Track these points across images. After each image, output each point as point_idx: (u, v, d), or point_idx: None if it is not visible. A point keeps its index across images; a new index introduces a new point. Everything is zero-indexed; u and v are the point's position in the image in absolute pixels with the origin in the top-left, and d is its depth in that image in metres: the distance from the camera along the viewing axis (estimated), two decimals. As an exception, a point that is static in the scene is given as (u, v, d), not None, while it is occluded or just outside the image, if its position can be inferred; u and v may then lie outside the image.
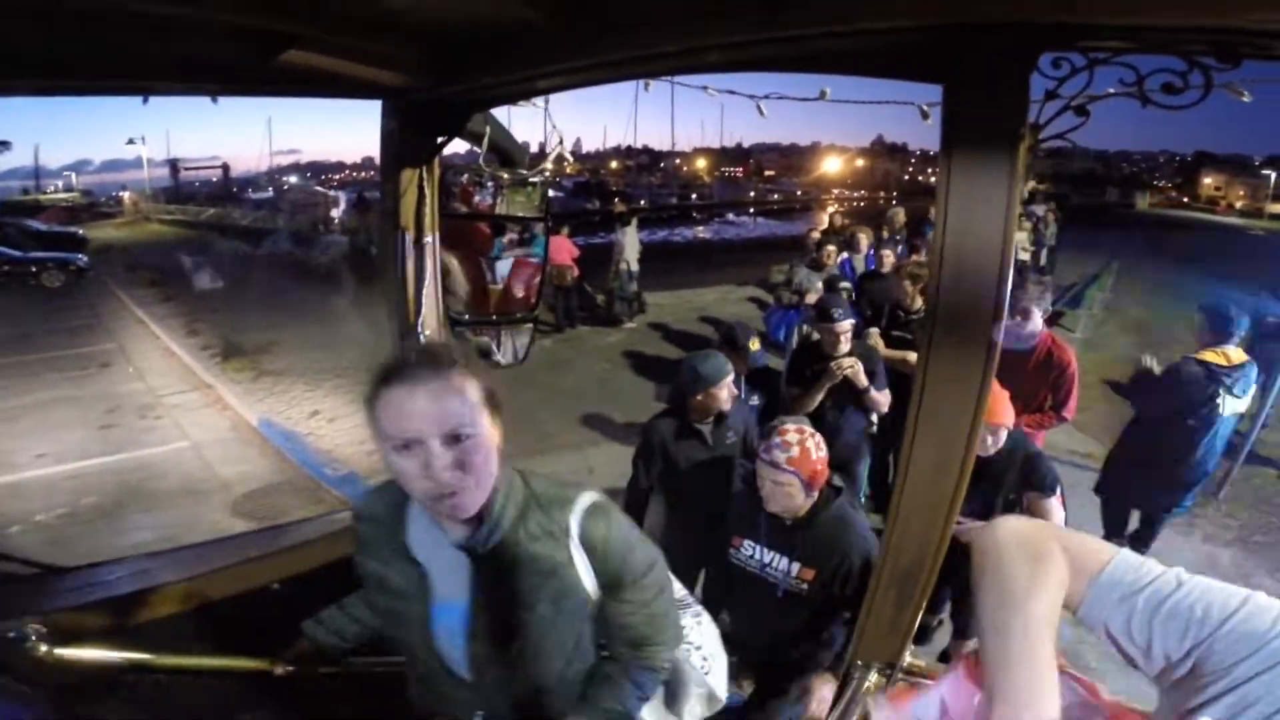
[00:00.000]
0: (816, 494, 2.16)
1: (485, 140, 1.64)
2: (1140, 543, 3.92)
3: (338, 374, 7.69)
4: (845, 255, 6.64)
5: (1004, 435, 2.59)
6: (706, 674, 1.64)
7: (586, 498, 1.23)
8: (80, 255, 16.28)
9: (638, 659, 1.32)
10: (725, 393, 2.80)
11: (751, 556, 2.26)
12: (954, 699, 0.99)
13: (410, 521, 1.24)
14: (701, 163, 78.69)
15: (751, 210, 40.35)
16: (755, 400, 3.57)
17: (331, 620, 1.51)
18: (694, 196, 44.92)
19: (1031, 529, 0.85)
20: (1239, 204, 51.04)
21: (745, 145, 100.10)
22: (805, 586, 2.17)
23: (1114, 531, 4.02)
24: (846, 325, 3.33)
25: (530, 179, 1.66)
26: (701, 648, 1.67)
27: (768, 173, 75.90)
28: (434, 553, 1.21)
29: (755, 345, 3.50)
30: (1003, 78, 0.96)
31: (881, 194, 44.00)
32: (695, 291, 11.93)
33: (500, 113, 1.75)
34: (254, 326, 9.60)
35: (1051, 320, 8.44)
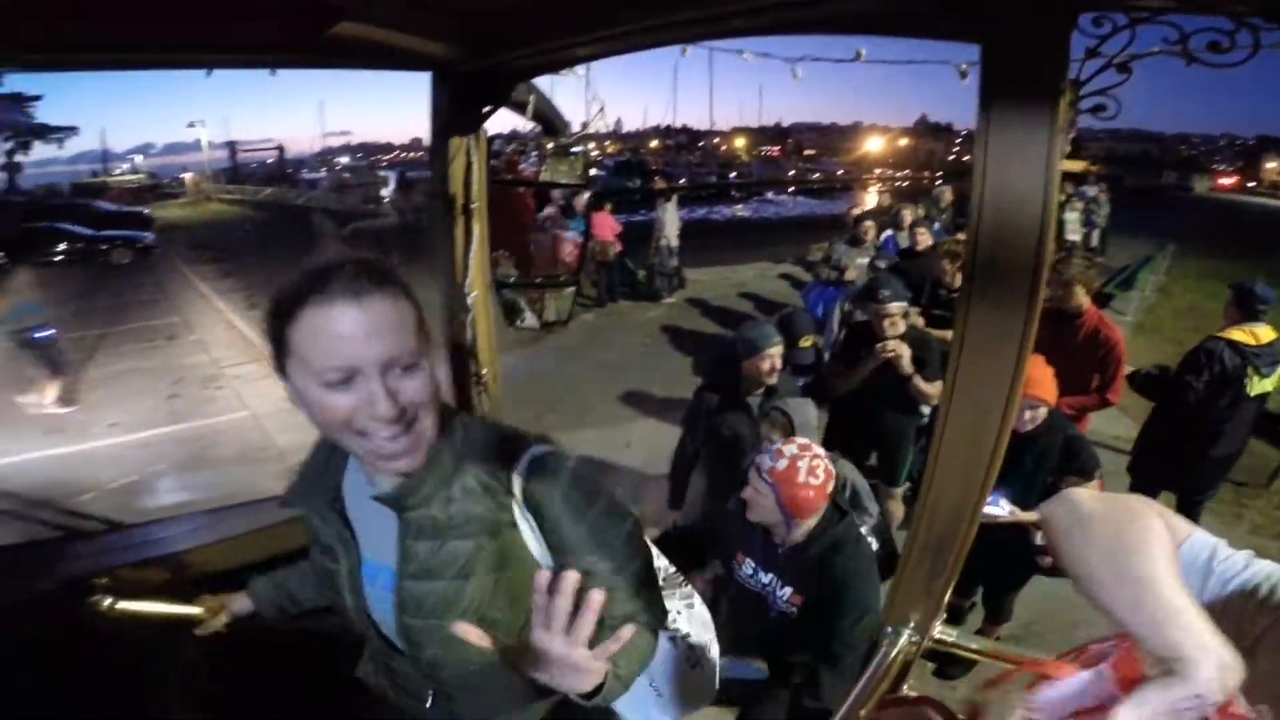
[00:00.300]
0: (801, 523, 1.97)
1: (530, 109, 1.64)
2: None
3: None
4: (889, 233, 6.51)
5: (1043, 412, 2.49)
6: (694, 666, 1.45)
7: (535, 449, 1.00)
8: (146, 234, 16.91)
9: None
10: (769, 363, 2.79)
11: (752, 575, 2.14)
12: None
13: (347, 467, 1.06)
14: (740, 142, 77.52)
15: (790, 189, 39.64)
16: (800, 381, 3.55)
17: (285, 580, 1.35)
18: (733, 175, 44.34)
19: (1111, 496, 0.80)
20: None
21: (784, 125, 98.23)
22: (795, 611, 2.04)
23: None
24: (894, 308, 3.16)
25: (572, 148, 1.67)
26: (689, 636, 1.47)
27: (807, 152, 74.37)
28: (363, 506, 1.03)
29: (808, 343, 3.45)
30: (1043, 35, 0.92)
31: (926, 173, 42.67)
32: (734, 269, 11.87)
33: (544, 86, 1.75)
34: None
35: (1101, 301, 8.15)
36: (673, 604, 1.47)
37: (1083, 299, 3.29)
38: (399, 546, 0.99)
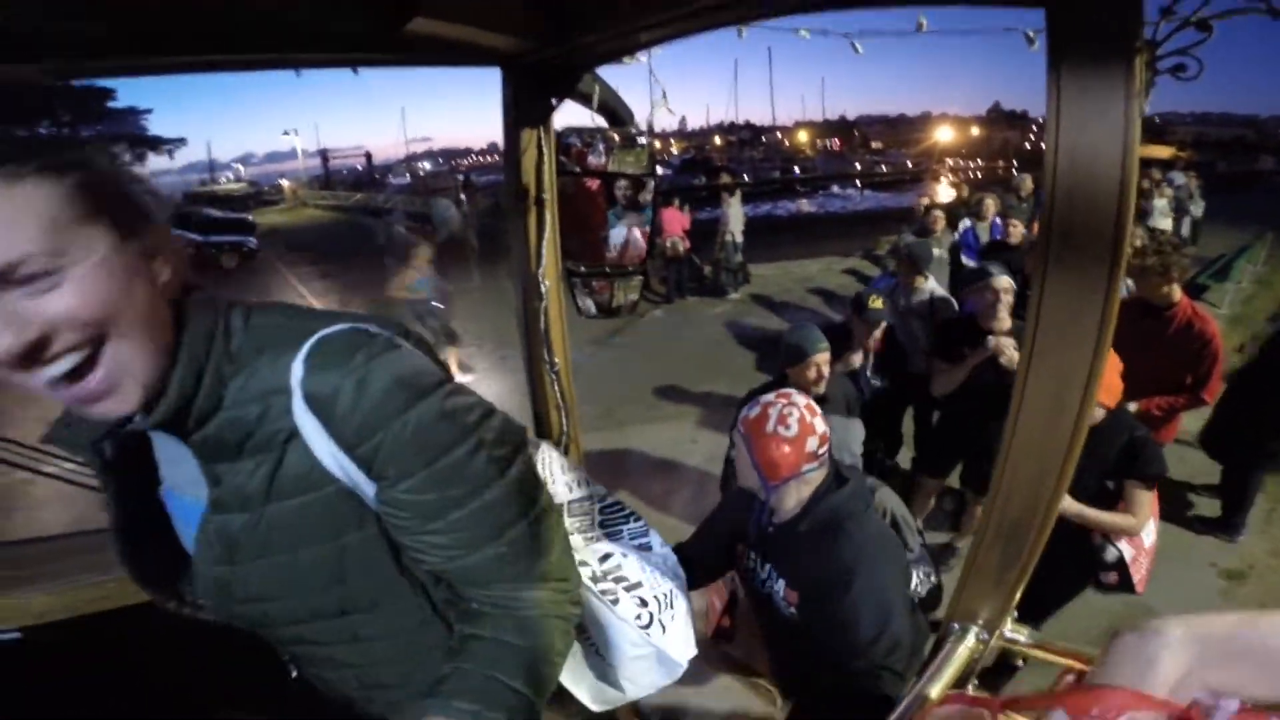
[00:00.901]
0: (779, 487, 1.56)
1: (595, 100, 1.61)
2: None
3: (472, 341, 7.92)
4: (968, 224, 6.16)
5: (1100, 413, 2.23)
6: (646, 627, 1.09)
7: (324, 333, 0.76)
8: (250, 238, 17.97)
9: (496, 605, 0.83)
10: (815, 370, 2.60)
11: (753, 569, 1.74)
12: None
13: None
14: (803, 136, 75.75)
15: (857, 182, 38.45)
16: (877, 383, 3.35)
17: None
18: (796, 170, 43.38)
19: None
20: None
21: (849, 118, 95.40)
22: (794, 612, 1.61)
23: (1234, 499, 3.79)
24: (1004, 282, 2.88)
25: (637, 139, 1.62)
26: (640, 586, 1.12)
27: (874, 144, 71.95)
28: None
29: (877, 303, 3.24)
30: None
31: (1000, 163, 40.53)
32: (799, 264, 11.65)
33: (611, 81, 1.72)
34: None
35: (1194, 292, 7.50)
36: (608, 547, 1.16)
37: (1173, 289, 2.98)
38: (204, 477, 0.79)
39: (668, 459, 4.84)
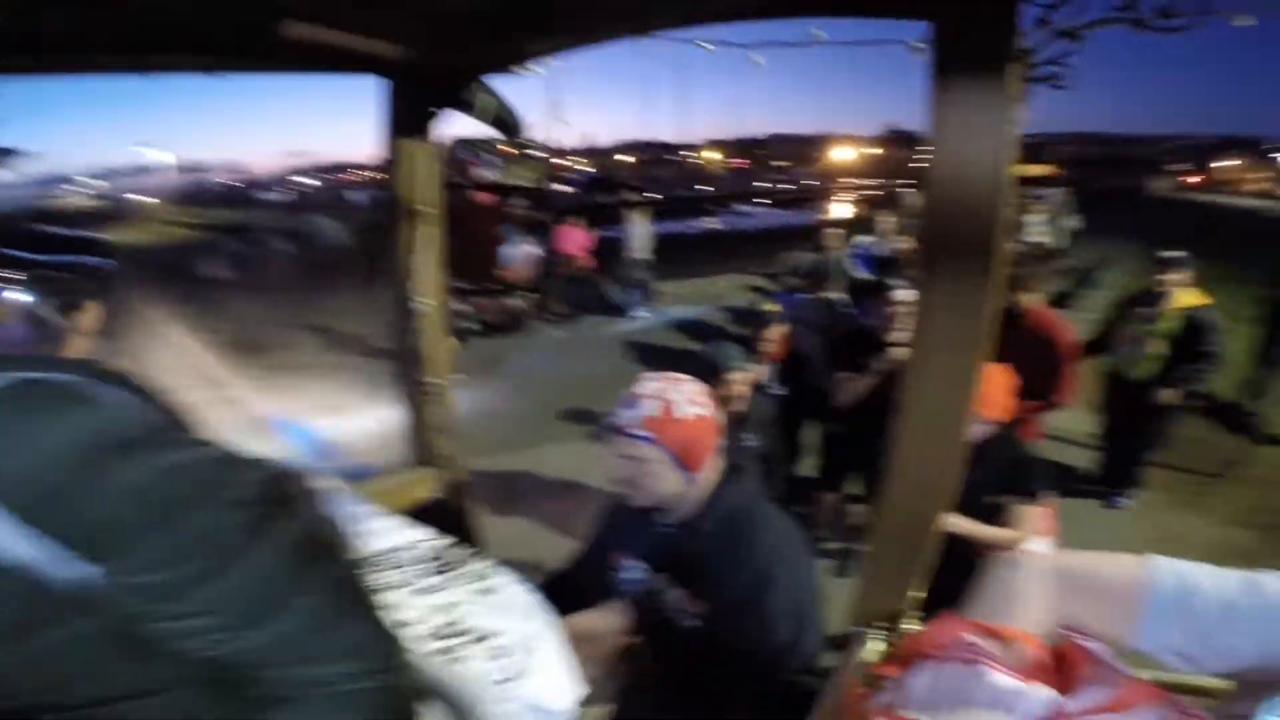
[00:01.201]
0: (698, 476, 1.48)
1: (483, 111, 1.64)
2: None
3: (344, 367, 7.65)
4: (866, 240, 6.62)
5: (984, 428, 2.35)
6: (506, 681, 0.94)
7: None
8: (101, 259, 16.48)
9: (297, 688, 0.68)
10: (731, 389, 2.63)
11: (636, 579, 1.57)
12: None
13: None
14: (711, 154, 78.35)
15: (762, 200, 40.07)
16: (776, 390, 3.41)
17: None
18: (705, 188, 44.69)
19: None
20: (1255, 187, 50.16)
21: (756, 137, 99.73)
22: (700, 623, 1.47)
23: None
24: (902, 294, 3.05)
25: (532, 152, 1.66)
26: (494, 636, 0.96)
27: (779, 164, 75.37)
28: None
29: (771, 305, 3.33)
30: (992, 6, 0.93)
31: (898, 181, 43.49)
32: (708, 280, 11.99)
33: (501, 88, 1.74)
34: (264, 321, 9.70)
35: (1066, 302, 8.36)
36: (457, 594, 0.99)
37: (1029, 298, 3.36)
38: None
39: (568, 480, 4.86)
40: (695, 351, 7.72)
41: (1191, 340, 4.07)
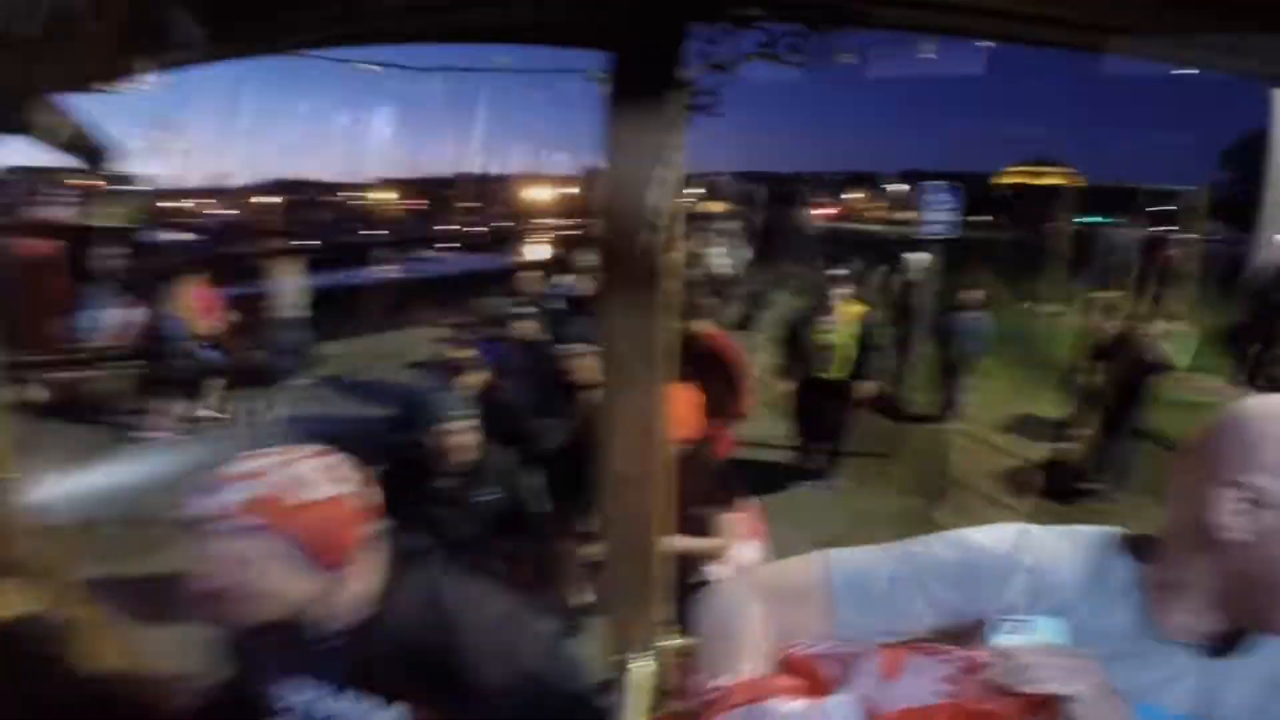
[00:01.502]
0: (343, 573, 1.22)
1: (55, 135, 1.37)
2: None
3: None
4: (565, 280, 7.01)
5: (682, 448, 2.55)
6: None
7: None
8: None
9: None
10: (446, 440, 2.61)
11: (308, 708, 1.31)
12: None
13: None
14: (384, 195, 76.03)
15: (449, 245, 40.06)
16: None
17: None
18: (376, 232, 43.09)
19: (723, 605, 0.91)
20: (876, 214, 64.44)
21: (440, 176, 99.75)
22: None
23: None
24: (579, 348, 3.32)
25: (124, 188, 1.43)
26: None
27: (466, 205, 76.22)
28: None
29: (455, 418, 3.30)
30: (661, 42, 1.12)
31: (596, 219, 46.91)
32: (382, 336, 11.53)
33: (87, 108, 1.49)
34: None
35: (745, 323, 10.00)
36: None
37: (699, 324, 3.97)
38: None
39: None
40: (381, 413, 7.30)
41: (862, 342, 5.44)
